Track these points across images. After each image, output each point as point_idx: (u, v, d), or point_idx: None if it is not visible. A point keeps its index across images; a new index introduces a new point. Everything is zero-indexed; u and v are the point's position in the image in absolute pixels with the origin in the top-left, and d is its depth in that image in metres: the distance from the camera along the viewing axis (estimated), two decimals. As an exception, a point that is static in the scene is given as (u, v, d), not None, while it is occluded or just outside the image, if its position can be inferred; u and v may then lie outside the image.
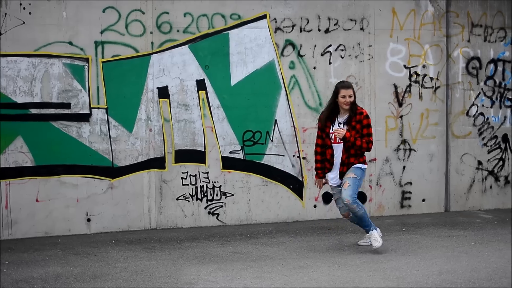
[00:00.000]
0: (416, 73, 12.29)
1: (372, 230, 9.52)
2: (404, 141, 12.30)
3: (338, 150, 9.49)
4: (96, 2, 10.73)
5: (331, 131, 9.50)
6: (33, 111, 10.51)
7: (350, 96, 9.38)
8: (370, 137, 9.46)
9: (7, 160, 10.41)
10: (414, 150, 12.36)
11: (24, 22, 10.44)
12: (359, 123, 9.41)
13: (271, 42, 11.52)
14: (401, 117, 12.25)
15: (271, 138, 11.56)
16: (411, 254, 9.37)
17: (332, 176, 9.66)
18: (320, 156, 9.73)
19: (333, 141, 9.51)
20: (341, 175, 9.52)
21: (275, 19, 11.52)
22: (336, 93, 9.48)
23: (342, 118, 9.51)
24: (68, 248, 9.89)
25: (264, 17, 11.47)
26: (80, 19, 10.67)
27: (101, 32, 10.77)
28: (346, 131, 9.32)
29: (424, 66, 12.34)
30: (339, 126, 9.46)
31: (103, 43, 10.78)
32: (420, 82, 12.32)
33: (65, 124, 10.64)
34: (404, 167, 12.33)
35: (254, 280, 8.07)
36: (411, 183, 12.38)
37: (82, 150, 10.73)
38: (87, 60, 10.71)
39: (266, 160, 11.59)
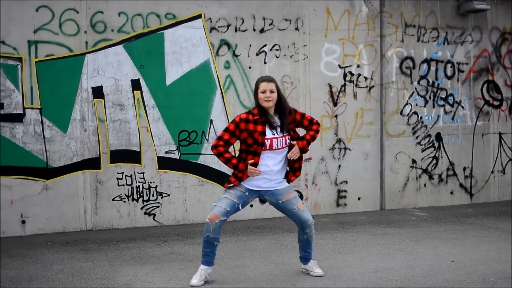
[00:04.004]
0: (350, 72, 12.41)
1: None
2: (339, 140, 12.39)
3: (276, 158, 7.96)
4: (29, 1, 10.61)
5: (267, 137, 7.81)
6: (-35, 111, 10.40)
7: (271, 91, 7.82)
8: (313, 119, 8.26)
9: None
10: (349, 149, 12.47)
11: (-46, 21, 10.32)
12: (293, 122, 8.13)
13: (206, 41, 11.51)
14: (336, 116, 12.34)
15: (206, 137, 11.54)
16: (347, 252, 9.42)
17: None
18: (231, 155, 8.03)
19: (268, 148, 7.87)
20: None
21: (210, 18, 11.52)
22: (256, 89, 7.96)
23: (273, 121, 7.97)
24: (3, 250, 9.74)
25: (199, 16, 11.46)
26: (13, 18, 10.53)
27: (35, 32, 10.64)
28: (297, 144, 8.02)
29: (358, 66, 12.46)
30: (273, 133, 7.89)
31: (37, 43, 10.65)
32: (355, 82, 12.44)
33: (-3, 124, 10.52)
34: (339, 166, 12.42)
35: (186, 282, 8.03)
36: (346, 182, 12.49)
37: (15, 151, 10.59)
38: (20, 59, 10.58)
39: (202, 160, 11.57)
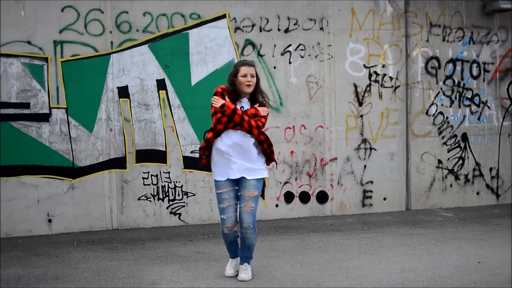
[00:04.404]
0: (375, 72, 12.36)
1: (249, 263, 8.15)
2: (364, 140, 12.35)
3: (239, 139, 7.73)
4: (55, 1, 10.67)
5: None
6: (-8, 111, 10.47)
7: (252, 76, 7.68)
8: (263, 119, 7.75)
9: (-34, 161, 10.34)
10: (375, 149, 12.42)
11: (-19, 22, 10.40)
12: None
13: (231, 41, 11.52)
14: (361, 116, 12.30)
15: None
16: (373, 252, 9.35)
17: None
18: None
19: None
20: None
21: (234, 18, 11.52)
22: (235, 73, 7.78)
23: (243, 104, 7.87)
24: (30, 249, 9.79)
25: (223, 16, 11.47)
26: (39, 18, 10.60)
27: (60, 32, 10.70)
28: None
29: (383, 66, 12.41)
30: None
31: (62, 43, 10.70)
32: (380, 82, 12.39)
33: (24, 124, 10.56)
34: (365, 166, 12.37)
35: (217, 280, 8.00)
36: (372, 182, 12.43)
37: (42, 150, 10.66)
38: (46, 59, 10.64)
39: (226, 159, 11.55)
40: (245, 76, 7.67)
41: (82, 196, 10.89)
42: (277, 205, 11.83)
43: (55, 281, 8.03)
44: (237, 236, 7.94)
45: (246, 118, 7.60)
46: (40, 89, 10.62)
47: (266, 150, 7.82)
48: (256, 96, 7.84)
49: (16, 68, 10.51)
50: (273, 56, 11.75)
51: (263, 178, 7.83)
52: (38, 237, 10.60)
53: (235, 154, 7.68)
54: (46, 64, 10.65)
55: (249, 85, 7.69)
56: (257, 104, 7.80)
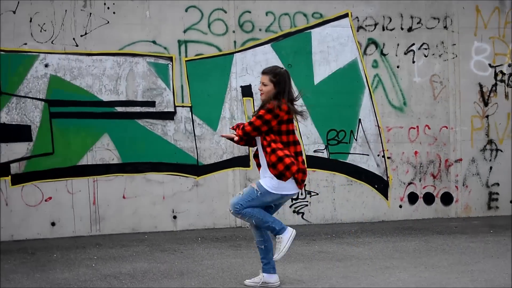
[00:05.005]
0: (501, 72, 12.07)
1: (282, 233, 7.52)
2: (490, 141, 12.06)
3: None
4: (179, 1, 10.85)
5: None
6: (119, 109, 10.64)
7: (264, 84, 7.25)
8: (251, 124, 7.19)
9: (94, 157, 10.54)
10: (501, 151, 12.10)
11: (108, 22, 10.60)
12: None
13: (353, 40, 11.46)
14: (487, 117, 12.02)
15: (355, 137, 11.47)
16: (499, 256, 9.02)
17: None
18: None
19: None
20: None
21: (357, 17, 11.47)
22: None
23: None
24: (155, 244, 9.91)
25: (346, 15, 11.43)
26: (163, 19, 10.79)
27: (184, 31, 10.87)
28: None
29: (509, 65, 12.11)
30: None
31: (186, 42, 10.86)
32: (506, 81, 12.09)
33: (150, 122, 10.73)
34: (491, 167, 12.07)
35: (340, 280, 7.87)
36: (498, 184, 12.10)
37: (167, 148, 10.82)
38: (170, 59, 10.81)
39: (350, 159, 11.50)
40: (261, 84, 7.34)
41: (206, 194, 10.98)
42: (400, 206, 11.66)
43: (180, 277, 8.06)
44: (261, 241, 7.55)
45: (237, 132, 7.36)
46: (165, 88, 10.78)
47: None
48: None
49: (142, 67, 10.70)
50: (396, 55, 11.64)
51: (262, 185, 7.23)
52: (163, 233, 10.73)
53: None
54: (171, 63, 10.81)
55: (261, 94, 7.32)
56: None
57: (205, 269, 8.45)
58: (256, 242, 7.56)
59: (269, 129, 7.10)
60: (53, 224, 10.51)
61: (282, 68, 7.43)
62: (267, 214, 7.35)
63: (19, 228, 10.39)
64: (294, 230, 7.49)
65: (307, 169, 11.03)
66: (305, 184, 10.57)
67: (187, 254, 9.30)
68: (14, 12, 10.28)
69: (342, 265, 8.56)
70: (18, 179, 10.38)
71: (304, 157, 7.61)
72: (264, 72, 7.30)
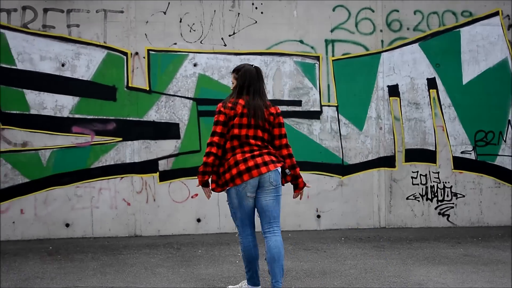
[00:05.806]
0: None
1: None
2: None
3: None
4: (326, 1, 10.87)
5: None
6: (265, 108, 10.74)
7: (232, 82, 7.15)
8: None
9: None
10: None
11: (256, 22, 10.71)
12: None
13: (504, 39, 11.20)
14: None
15: (504, 138, 11.22)
16: None
17: None
18: None
19: None
20: None
21: (508, 16, 11.21)
22: None
23: None
24: (298, 243, 9.99)
25: (496, 14, 11.19)
26: (311, 18, 10.82)
27: (331, 31, 10.87)
28: None
29: None
30: None
31: (333, 42, 10.86)
32: None
33: (296, 121, 10.80)
34: None
35: (486, 285, 7.74)
36: None
37: (312, 147, 10.87)
38: (317, 58, 10.84)
39: (499, 161, 11.26)
40: None
41: (350, 193, 10.98)
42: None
43: (322, 276, 8.10)
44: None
45: None
46: (311, 87, 10.82)
47: None
48: None
49: (289, 66, 10.78)
50: (549, 55, 11.34)
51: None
52: (306, 231, 10.81)
53: None
54: (318, 62, 10.84)
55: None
56: None
57: (347, 269, 8.46)
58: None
59: (228, 129, 7.14)
60: (198, 220, 10.75)
61: (252, 65, 7.06)
62: (249, 259, 7.22)
63: (165, 224, 10.68)
64: None
65: (454, 170, 10.98)
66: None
67: (330, 253, 9.33)
68: (165, 13, 10.54)
69: (488, 269, 8.43)
70: (166, 176, 10.66)
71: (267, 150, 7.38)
72: (232, 71, 7.12)
